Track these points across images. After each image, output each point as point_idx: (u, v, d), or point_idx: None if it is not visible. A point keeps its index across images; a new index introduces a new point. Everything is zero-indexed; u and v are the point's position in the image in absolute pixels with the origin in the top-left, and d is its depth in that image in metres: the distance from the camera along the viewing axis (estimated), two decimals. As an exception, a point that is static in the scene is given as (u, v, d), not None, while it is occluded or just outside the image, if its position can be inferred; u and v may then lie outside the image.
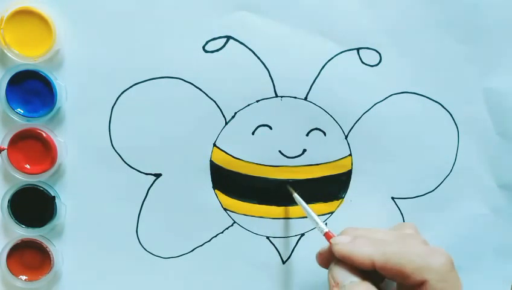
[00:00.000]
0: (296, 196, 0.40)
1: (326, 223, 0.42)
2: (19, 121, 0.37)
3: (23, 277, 0.39)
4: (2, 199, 0.38)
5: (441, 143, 0.42)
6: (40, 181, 0.38)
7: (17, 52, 0.36)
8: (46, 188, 0.38)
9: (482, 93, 0.41)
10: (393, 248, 0.33)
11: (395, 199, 0.42)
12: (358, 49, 0.39)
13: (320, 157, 0.41)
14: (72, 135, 0.38)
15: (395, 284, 0.36)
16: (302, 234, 0.42)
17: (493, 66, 0.41)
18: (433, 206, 0.43)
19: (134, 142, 0.39)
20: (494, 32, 0.40)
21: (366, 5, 0.39)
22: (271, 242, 0.42)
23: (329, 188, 0.42)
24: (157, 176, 0.39)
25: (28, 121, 0.37)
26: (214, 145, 0.39)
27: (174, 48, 0.37)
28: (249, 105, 0.39)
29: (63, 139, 0.38)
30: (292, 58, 0.39)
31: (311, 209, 0.38)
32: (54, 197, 0.38)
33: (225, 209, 0.41)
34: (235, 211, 0.41)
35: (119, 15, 0.37)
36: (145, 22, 0.37)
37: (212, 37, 0.38)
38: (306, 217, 0.42)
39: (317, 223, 0.37)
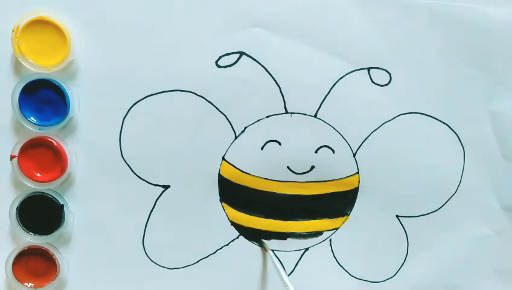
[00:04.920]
0: (270, 253, 0.41)
1: (330, 240, 0.42)
2: (31, 129, 0.37)
3: (29, 284, 0.39)
4: (11, 206, 0.38)
5: (447, 163, 0.42)
6: (49, 189, 0.38)
7: (32, 61, 0.36)
8: (54, 196, 0.38)
9: (488, 116, 0.42)
10: None
11: (399, 217, 0.43)
12: (369, 69, 0.40)
13: (328, 174, 0.41)
14: (83, 144, 0.38)
15: None
16: (307, 249, 0.42)
17: (500, 90, 0.41)
18: (436, 225, 0.43)
19: (144, 153, 0.39)
20: (502, 56, 0.41)
21: (378, 26, 0.39)
22: (275, 255, 0.42)
23: (335, 204, 0.42)
24: (166, 187, 0.40)
25: (40, 129, 0.37)
26: (223, 158, 0.40)
27: (187, 62, 0.38)
28: (259, 120, 0.39)
29: (73, 148, 0.38)
30: (303, 75, 0.39)
31: (284, 272, 0.40)
32: (63, 205, 0.38)
33: (231, 222, 0.41)
34: (241, 223, 0.41)
35: (134, 28, 0.37)
36: (159, 34, 0.37)
37: (225, 53, 0.38)
38: (310, 232, 0.42)
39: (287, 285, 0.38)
